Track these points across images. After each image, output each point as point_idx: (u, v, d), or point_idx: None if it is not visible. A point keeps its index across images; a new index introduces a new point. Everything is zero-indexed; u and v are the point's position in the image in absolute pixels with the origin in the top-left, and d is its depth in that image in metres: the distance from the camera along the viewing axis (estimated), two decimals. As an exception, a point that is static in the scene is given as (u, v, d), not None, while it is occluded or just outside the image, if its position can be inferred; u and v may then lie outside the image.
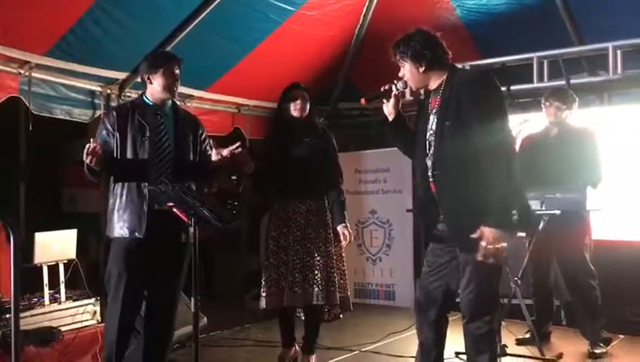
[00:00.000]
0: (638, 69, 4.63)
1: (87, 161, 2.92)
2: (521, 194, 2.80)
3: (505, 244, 2.58)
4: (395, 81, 2.86)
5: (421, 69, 2.74)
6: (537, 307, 4.41)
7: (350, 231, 3.85)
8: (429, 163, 2.76)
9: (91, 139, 2.97)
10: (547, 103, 4.22)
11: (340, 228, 3.82)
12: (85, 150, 2.90)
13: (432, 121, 2.76)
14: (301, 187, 3.79)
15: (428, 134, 2.77)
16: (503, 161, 2.59)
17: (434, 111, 2.76)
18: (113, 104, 4.59)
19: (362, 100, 2.97)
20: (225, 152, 3.23)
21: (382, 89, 2.89)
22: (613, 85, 4.84)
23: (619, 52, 4.62)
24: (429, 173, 2.76)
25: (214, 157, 3.28)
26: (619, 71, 4.63)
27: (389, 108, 2.90)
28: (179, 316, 3.34)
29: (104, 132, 3.15)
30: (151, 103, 3.21)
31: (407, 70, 2.78)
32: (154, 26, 4.37)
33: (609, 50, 4.63)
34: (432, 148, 2.75)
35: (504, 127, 2.65)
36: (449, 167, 2.70)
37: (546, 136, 4.28)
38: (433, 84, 2.79)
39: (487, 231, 2.56)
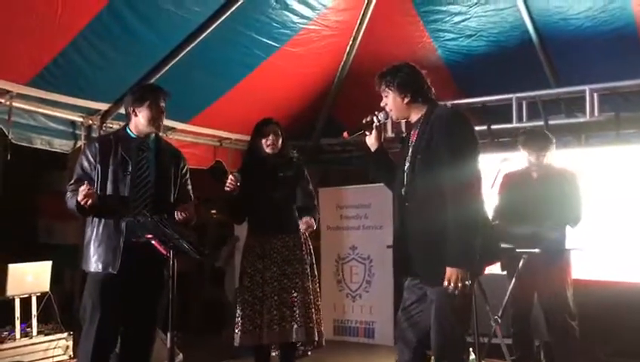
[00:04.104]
0: (613, 111, 4.73)
1: (83, 203, 2.89)
2: (488, 231, 2.73)
3: (468, 282, 2.56)
4: (376, 112, 2.88)
5: (405, 100, 2.78)
6: (517, 346, 4.35)
7: (313, 222, 3.77)
8: (403, 195, 2.78)
9: (84, 183, 2.93)
10: (525, 149, 4.22)
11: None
12: (82, 191, 2.87)
13: (409, 153, 2.78)
14: (276, 223, 3.77)
15: (405, 166, 2.79)
16: (466, 198, 2.59)
17: (412, 144, 2.79)
18: (94, 135, 4.55)
19: (345, 134, 2.97)
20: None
21: (363, 121, 2.90)
22: (589, 127, 4.93)
23: (595, 95, 4.72)
24: (403, 206, 2.78)
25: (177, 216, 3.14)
26: (595, 113, 4.72)
27: (371, 140, 2.92)
28: (154, 352, 3.26)
29: (85, 163, 3.13)
30: (134, 136, 3.19)
31: (390, 100, 2.81)
32: (138, 59, 4.37)
33: (586, 92, 4.73)
34: (406, 180, 2.76)
35: (471, 165, 2.64)
36: (418, 200, 2.72)
37: (528, 177, 4.27)
38: (414, 117, 2.82)
39: (448, 271, 2.55)
